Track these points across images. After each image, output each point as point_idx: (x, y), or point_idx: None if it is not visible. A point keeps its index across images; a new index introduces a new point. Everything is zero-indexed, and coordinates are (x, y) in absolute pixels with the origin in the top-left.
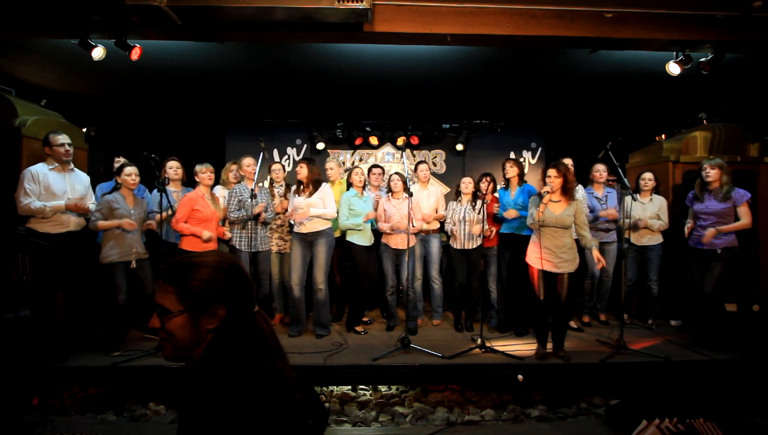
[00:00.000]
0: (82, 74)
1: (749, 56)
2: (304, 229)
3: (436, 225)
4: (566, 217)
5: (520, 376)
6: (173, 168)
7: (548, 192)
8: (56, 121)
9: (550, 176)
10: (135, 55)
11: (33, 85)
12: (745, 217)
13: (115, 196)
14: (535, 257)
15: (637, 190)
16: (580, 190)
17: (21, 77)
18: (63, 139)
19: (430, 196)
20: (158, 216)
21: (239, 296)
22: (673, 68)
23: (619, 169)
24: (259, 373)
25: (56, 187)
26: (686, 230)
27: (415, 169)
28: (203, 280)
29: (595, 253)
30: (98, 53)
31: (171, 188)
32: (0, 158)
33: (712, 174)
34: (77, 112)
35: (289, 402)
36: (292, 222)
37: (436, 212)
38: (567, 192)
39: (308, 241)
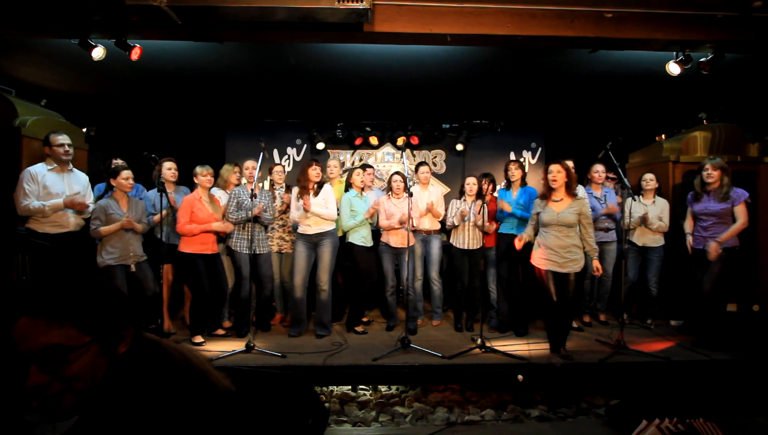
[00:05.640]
0: (82, 74)
1: (749, 56)
2: (309, 230)
3: (437, 225)
4: (567, 216)
5: (520, 376)
6: (171, 169)
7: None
8: (56, 121)
9: (552, 172)
10: (135, 55)
11: (33, 85)
12: (741, 217)
13: (107, 202)
14: (539, 257)
15: (638, 191)
16: (580, 190)
17: (21, 77)
18: (63, 139)
19: (430, 196)
20: (156, 217)
21: (135, 311)
22: (673, 68)
23: (619, 169)
24: (190, 389)
25: (55, 188)
26: (688, 246)
27: (416, 171)
28: (104, 297)
29: (595, 263)
30: (98, 53)
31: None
32: (0, 158)
33: (714, 175)
34: (77, 112)
35: (224, 405)
36: (297, 225)
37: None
38: (569, 189)
39: (313, 242)
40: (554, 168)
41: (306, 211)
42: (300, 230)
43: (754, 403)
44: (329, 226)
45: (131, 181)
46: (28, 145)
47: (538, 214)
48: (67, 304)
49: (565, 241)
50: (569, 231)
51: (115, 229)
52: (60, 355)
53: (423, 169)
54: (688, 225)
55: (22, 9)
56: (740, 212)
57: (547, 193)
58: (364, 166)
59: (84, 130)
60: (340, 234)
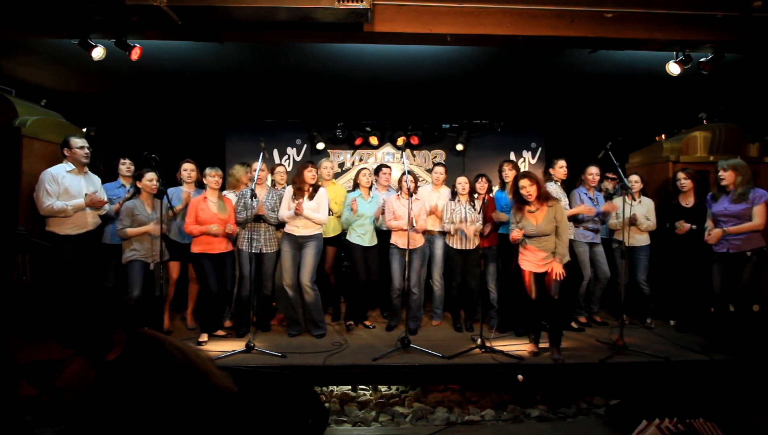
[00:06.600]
0: (82, 74)
1: (749, 56)
2: (296, 232)
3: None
4: (545, 227)
5: (520, 376)
6: (187, 170)
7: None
8: (56, 121)
9: (524, 187)
10: (135, 55)
11: (33, 85)
12: (756, 218)
13: (134, 203)
14: (522, 259)
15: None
16: (553, 188)
17: (21, 77)
18: (82, 142)
19: (440, 198)
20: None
21: (130, 312)
22: (673, 68)
23: (619, 170)
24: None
25: (73, 189)
26: (706, 235)
27: (431, 171)
28: (86, 307)
29: (557, 268)
30: (98, 53)
31: (184, 188)
32: (0, 158)
33: (725, 176)
34: (77, 112)
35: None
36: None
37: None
38: (542, 199)
39: (298, 243)
40: (525, 182)
41: (298, 214)
42: (287, 230)
43: (754, 403)
44: (316, 230)
45: (155, 183)
46: (28, 145)
47: (518, 226)
48: (46, 320)
49: (544, 245)
50: (549, 237)
51: (141, 232)
52: (45, 370)
53: (439, 169)
54: (709, 224)
55: (22, 9)
56: (757, 213)
57: (521, 205)
58: (380, 167)
59: (84, 130)
60: (335, 233)
